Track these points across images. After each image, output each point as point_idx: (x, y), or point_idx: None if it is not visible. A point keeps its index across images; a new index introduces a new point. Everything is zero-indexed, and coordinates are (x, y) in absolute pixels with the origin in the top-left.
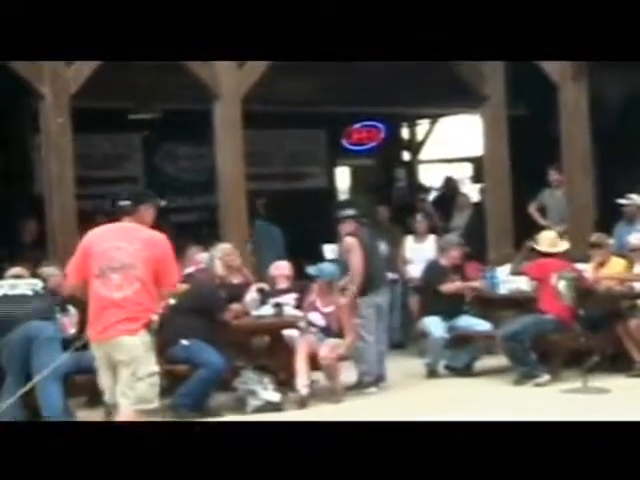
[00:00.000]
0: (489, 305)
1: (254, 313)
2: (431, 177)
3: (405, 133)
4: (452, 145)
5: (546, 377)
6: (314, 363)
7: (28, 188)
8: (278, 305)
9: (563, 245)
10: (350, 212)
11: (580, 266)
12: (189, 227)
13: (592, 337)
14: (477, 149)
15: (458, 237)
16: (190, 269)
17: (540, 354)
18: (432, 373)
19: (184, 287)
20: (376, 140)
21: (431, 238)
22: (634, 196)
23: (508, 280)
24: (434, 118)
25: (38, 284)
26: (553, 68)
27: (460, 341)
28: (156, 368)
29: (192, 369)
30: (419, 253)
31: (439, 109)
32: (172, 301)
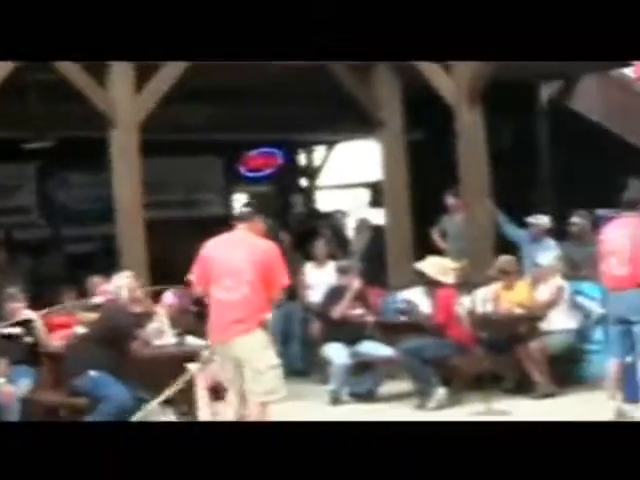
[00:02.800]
0: (391, 330)
1: (156, 343)
2: (329, 203)
3: (302, 159)
4: (350, 170)
5: (441, 391)
6: (217, 393)
7: None
8: (180, 334)
9: (451, 275)
10: None
11: (482, 290)
12: (84, 257)
13: (495, 360)
14: (375, 174)
15: (357, 262)
16: (98, 299)
17: (443, 379)
18: (336, 400)
19: (92, 316)
20: (273, 167)
21: (331, 264)
22: (539, 217)
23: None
24: (330, 144)
25: None
26: (449, 91)
27: (363, 367)
28: (277, 360)
29: (93, 402)
30: (319, 279)
31: (335, 135)
32: (80, 330)
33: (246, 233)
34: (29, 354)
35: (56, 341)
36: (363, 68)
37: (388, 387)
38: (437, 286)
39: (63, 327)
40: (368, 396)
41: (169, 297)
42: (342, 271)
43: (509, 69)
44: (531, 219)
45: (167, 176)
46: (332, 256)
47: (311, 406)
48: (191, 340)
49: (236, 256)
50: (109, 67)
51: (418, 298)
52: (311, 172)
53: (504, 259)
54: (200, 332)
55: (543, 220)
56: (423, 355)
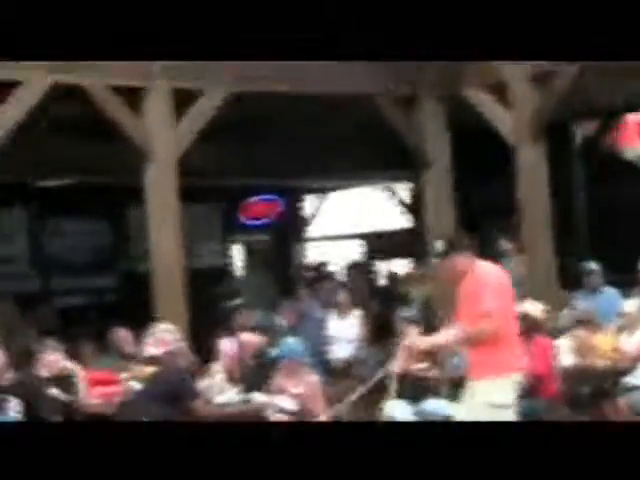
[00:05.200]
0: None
1: (218, 401)
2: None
3: (305, 207)
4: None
5: None
6: None
7: None
8: (245, 391)
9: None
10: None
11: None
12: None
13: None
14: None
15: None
16: (156, 351)
17: None
18: None
19: (148, 371)
20: (274, 214)
21: (355, 314)
22: (593, 265)
23: None
24: (329, 191)
25: None
26: (506, 126)
27: None
28: None
29: None
30: (342, 331)
31: (348, 181)
32: (137, 386)
33: None
34: (65, 414)
35: (96, 399)
36: (406, 100)
37: None
38: (534, 333)
39: (103, 384)
40: None
41: (227, 346)
42: (408, 320)
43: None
44: (590, 265)
45: None
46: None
47: None
48: (258, 397)
49: None
50: (144, 95)
51: None
52: (312, 221)
53: (584, 308)
54: (259, 387)
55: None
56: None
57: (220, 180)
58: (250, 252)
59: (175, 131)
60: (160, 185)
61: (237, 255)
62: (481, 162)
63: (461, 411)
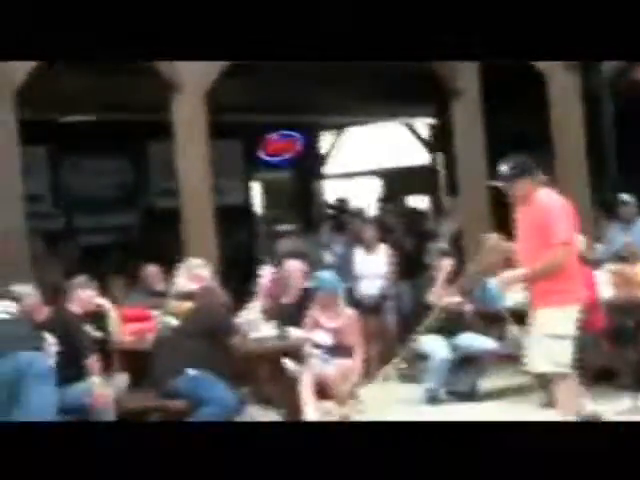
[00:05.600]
0: (485, 320)
1: (254, 336)
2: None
3: (324, 144)
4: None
5: None
6: (323, 392)
7: None
8: (281, 325)
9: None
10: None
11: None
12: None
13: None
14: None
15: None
16: (192, 286)
17: None
18: (433, 399)
19: (185, 307)
20: (293, 151)
21: (382, 248)
22: (628, 197)
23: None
24: (351, 127)
25: (11, 306)
26: None
27: (465, 362)
28: None
29: (194, 405)
30: (370, 266)
31: (366, 117)
32: (173, 322)
33: None
34: (99, 351)
35: (129, 336)
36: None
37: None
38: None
39: (135, 320)
40: (469, 395)
41: (264, 280)
42: (441, 253)
43: None
44: (624, 197)
45: None
46: (382, 240)
47: (406, 407)
48: (294, 332)
49: None
50: None
51: None
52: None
53: (625, 241)
54: (295, 323)
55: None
56: None
57: (240, 116)
58: (270, 189)
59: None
60: (189, 119)
61: (257, 192)
62: (511, 93)
63: (521, 340)
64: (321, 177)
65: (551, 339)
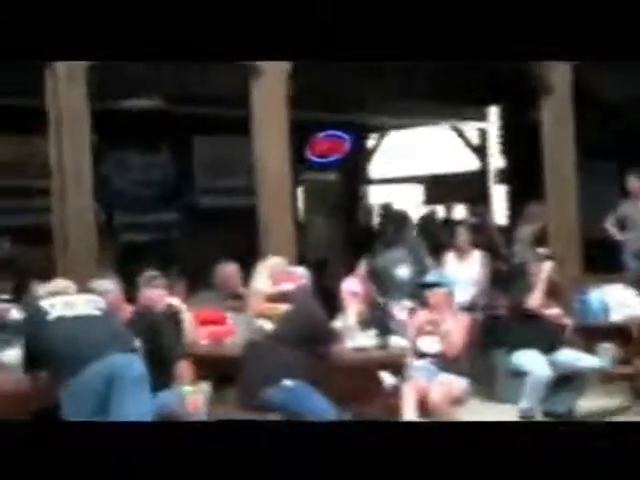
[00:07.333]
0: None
1: (351, 345)
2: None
3: (374, 146)
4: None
5: None
6: (424, 410)
7: None
8: (384, 332)
9: None
10: None
11: None
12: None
13: None
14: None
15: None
16: (288, 286)
17: None
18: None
19: (282, 308)
20: (340, 152)
21: (476, 254)
22: None
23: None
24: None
25: (100, 301)
26: None
27: (563, 381)
28: None
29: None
30: (463, 273)
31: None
32: (267, 326)
33: None
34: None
35: (204, 340)
36: None
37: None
38: None
39: (210, 323)
40: (567, 415)
41: (352, 284)
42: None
43: None
44: None
45: (228, 158)
46: (475, 245)
47: None
48: (396, 341)
49: None
50: None
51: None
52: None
53: None
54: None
55: None
56: None
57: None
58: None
59: None
60: (270, 102)
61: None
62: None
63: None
64: (369, 181)
65: None
